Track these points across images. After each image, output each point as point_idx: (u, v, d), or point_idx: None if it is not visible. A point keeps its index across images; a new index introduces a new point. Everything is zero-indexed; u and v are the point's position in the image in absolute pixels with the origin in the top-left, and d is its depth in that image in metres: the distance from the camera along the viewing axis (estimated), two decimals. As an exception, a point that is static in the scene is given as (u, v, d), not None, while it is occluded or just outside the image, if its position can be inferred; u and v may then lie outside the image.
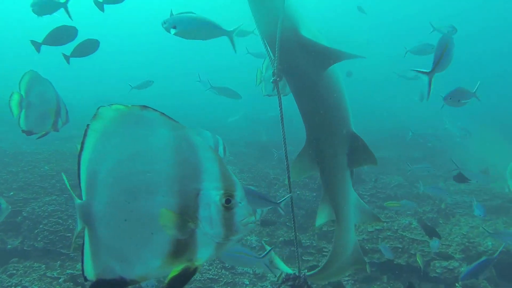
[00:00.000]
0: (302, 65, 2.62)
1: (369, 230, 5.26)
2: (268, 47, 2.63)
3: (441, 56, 3.06)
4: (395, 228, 5.30)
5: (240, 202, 1.14)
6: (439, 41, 3.07)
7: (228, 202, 1.12)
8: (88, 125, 1.17)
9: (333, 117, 2.73)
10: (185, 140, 1.14)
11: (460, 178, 4.45)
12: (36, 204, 5.45)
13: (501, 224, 5.91)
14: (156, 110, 1.14)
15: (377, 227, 5.33)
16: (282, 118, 2.43)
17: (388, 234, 5.22)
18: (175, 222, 1.11)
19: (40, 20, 4.35)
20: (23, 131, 2.83)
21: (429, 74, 3.27)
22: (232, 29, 2.89)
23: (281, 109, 2.46)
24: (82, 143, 1.17)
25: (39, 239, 4.97)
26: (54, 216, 5.25)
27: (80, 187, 1.20)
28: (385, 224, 5.38)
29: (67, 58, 4.16)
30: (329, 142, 2.78)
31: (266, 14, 2.57)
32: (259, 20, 2.62)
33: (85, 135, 1.17)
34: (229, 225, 1.12)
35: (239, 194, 1.14)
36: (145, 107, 1.14)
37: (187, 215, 1.11)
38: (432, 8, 24.48)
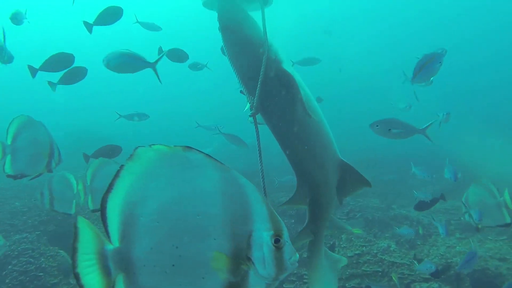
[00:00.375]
0: (281, 99, 2.62)
1: (348, 255, 5.26)
2: (240, 80, 2.62)
3: (421, 69, 3.12)
4: (374, 251, 5.32)
5: (286, 241, 1.15)
6: (426, 54, 3.14)
7: (277, 242, 1.13)
8: (122, 166, 1.13)
9: (317, 150, 2.72)
10: (233, 182, 1.14)
11: (421, 206, 4.59)
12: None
13: (476, 242, 6.01)
14: (201, 151, 1.14)
15: (357, 252, 5.34)
16: (260, 152, 2.43)
17: (367, 258, 5.23)
18: (229, 265, 1.10)
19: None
20: (8, 175, 2.81)
21: (411, 81, 3.34)
22: (153, 60, 3.29)
23: (258, 143, 2.47)
24: (111, 184, 1.12)
25: (7, 281, 4.74)
26: (25, 255, 5.03)
27: (106, 231, 1.13)
28: (364, 248, 5.39)
29: (53, 85, 4.17)
30: (318, 176, 2.76)
31: (247, 45, 2.59)
32: (236, 51, 2.63)
33: (116, 176, 1.13)
34: (279, 265, 1.13)
35: (285, 234, 1.15)
36: (188, 148, 1.13)
37: (239, 257, 1.11)
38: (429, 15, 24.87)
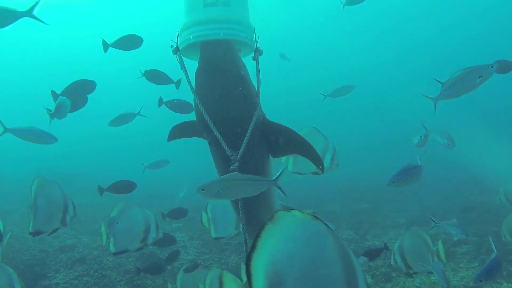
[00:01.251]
0: (260, 150, 2.61)
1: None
2: (217, 132, 2.52)
3: (453, 84, 3.04)
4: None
5: None
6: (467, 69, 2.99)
7: None
8: (263, 226, 1.24)
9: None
10: (343, 248, 1.26)
11: (372, 254, 4.65)
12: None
13: (449, 271, 6.06)
14: (322, 220, 1.26)
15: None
16: (241, 211, 2.37)
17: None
18: None
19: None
20: (30, 233, 3.10)
21: (434, 99, 3.21)
22: None
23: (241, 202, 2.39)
24: (255, 244, 1.22)
25: None
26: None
27: None
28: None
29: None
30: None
31: (234, 91, 2.54)
32: (220, 95, 2.55)
33: (259, 236, 1.22)
34: None
35: None
36: (315, 217, 1.25)
37: None
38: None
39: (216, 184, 2.23)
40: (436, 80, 3.22)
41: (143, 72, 5.70)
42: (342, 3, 5.39)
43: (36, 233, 3.12)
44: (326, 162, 3.20)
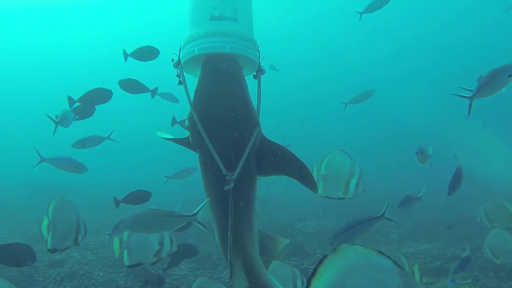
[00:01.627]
0: (251, 167, 2.54)
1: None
2: (213, 150, 2.43)
3: (487, 83, 3.09)
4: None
5: None
6: (496, 68, 3.07)
7: None
8: (325, 256, 1.27)
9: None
10: None
11: None
12: None
13: (441, 287, 6.04)
14: (389, 257, 1.24)
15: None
16: (231, 228, 2.33)
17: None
18: None
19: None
20: (48, 250, 3.23)
21: (470, 98, 3.24)
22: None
23: (231, 217, 2.34)
24: (315, 270, 1.25)
25: None
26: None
27: None
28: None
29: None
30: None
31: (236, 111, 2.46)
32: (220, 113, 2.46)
33: (320, 264, 1.26)
34: None
35: None
36: (380, 252, 1.24)
37: None
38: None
39: (134, 220, 2.27)
40: (465, 88, 3.27)
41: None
42: (358, 12, 5.40)
43: (54, 250, 3.22)
44: (351, 187, 3.12)
